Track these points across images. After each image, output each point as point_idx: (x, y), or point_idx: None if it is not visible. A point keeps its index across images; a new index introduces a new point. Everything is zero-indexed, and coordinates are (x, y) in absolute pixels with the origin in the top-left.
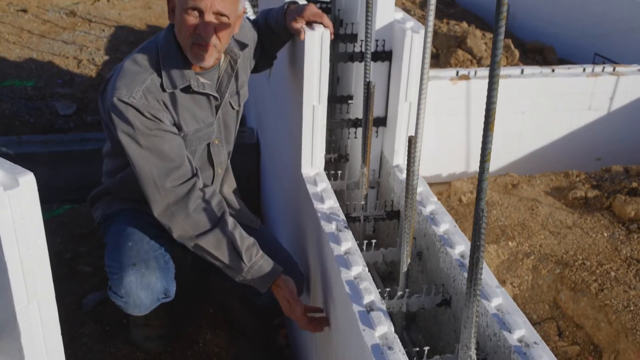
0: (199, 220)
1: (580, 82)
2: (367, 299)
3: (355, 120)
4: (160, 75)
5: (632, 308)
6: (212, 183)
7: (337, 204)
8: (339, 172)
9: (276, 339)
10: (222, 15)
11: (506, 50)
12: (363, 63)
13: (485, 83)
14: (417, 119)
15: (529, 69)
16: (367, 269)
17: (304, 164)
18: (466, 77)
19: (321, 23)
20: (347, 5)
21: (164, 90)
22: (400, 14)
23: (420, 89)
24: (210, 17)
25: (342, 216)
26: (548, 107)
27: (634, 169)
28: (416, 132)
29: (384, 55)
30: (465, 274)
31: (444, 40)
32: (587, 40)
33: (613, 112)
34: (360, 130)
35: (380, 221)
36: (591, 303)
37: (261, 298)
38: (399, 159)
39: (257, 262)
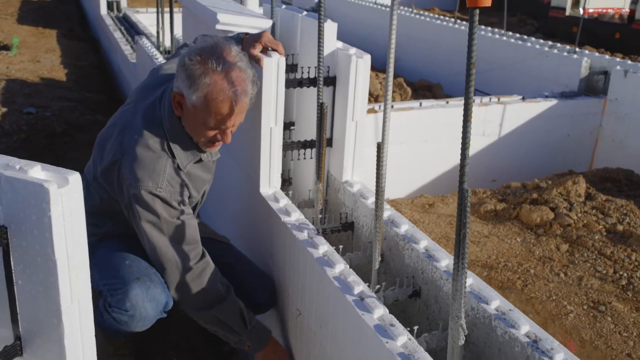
0: (215, 293)
1: (474, 111)
2: (357, 290)
3: (304, 142)
4: (173, 157)
5: (553, 297)
6: (195, 210)
7: (303, 216)
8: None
9: None
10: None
11: (399, 88)
12: (303, 90)
13: (391, 114)
14: (384, 126)
15: (426, 102)
16: (348, 266)
17: (262, 184)
18: (374, 111)
19: (276, 50)
20: (288, 38)
21: (180, 169)
22: (340, 44)
23: (385, 100)
24: (230, 130)
25: (311, 225)
26: (447, 135)
27: (530, 184)
28: (383, 139)
29: (329, 81)
30: (435, 264)
31: None
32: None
33: (503, 137)
34: (308, 151)
35: (336, 233)
36: (519, 297)
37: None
38: (348, 175)
39: (256, 324)
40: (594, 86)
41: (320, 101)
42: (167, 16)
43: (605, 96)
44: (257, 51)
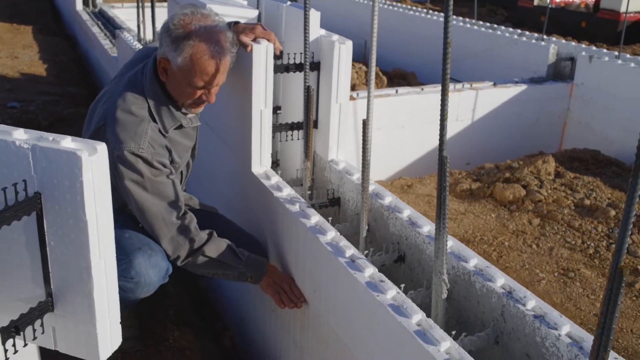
0: (201, 239)
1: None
2: (348, 253)
3: (292, 124)
4: (155, 121)
5: (527, 267)
6: (181, 182)
7: (294, 191)
8: None
9: (221, 341)
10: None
11: (376, 77)
12: (289, 75)
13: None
14: (368, 103)
15: (402, 89)
16: (339, 233)
17: (254, 164)
18: (352, 98)
19: (268, 40)
20: (273, 27)
21: (162, 134)
22: (323, 31)
23: (369, 81)
24: (214, 90)
25: (302, 199)
26: (422, 120)
27: (502, 164)
28: (367, 116)
29: (314, 66)
30: (418, 229)
31: None
32: (439, 67)
33: (476, 121)
34: (295, 133)
35: (324, 208)
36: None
37: None
38: (333, 154)
39: (249, 255)
40: (561, 72)
41: (307, 84)
42: (147, 10)
43: (572, 81)
44: (248, 39)
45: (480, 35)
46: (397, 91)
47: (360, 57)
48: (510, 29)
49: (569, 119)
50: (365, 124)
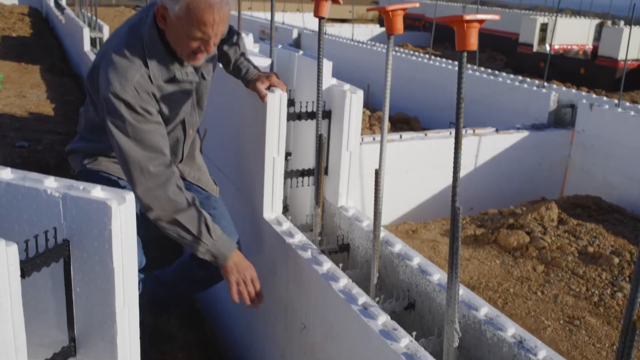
0: (178, 201)
1: (450, 143)
2: (360, 300)
3: (302, 170)
4: (147, 68)
5: (532, 314)
6: (183, 142)
7: (305, 237)
8: None
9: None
10: (220, 32)
11: (379, 121)
12: (300, 122)
13: (370, 148)
14: (380, 154)
15: (406, 134)
16: (351, 280)
17: (266, 209)
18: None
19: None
20: (285, 75)
21: (152, 82)
22: (334, 80)
23: (382, 130)
24: (212, 41)
25: (314, 245)
26: (426, 165)
27: (506, 210)
28: (380, 165)
29: (325, 114)
30: (428, 277)
31: None
32: (441, 111)
33: (479, 166)
34: (306, 179)
35: (333, 254)
36: None
37: None
38: (343, 200)
39: (222, 236)
40: (562, 118)
41: (319, 133)
42: None
43: (573, 128)
44: (263, 87)
45: (482, 81)
46: (401, 136)
47: (363, 101)
48: (512, 76)
49: (570, 165)
50: (377, 173)
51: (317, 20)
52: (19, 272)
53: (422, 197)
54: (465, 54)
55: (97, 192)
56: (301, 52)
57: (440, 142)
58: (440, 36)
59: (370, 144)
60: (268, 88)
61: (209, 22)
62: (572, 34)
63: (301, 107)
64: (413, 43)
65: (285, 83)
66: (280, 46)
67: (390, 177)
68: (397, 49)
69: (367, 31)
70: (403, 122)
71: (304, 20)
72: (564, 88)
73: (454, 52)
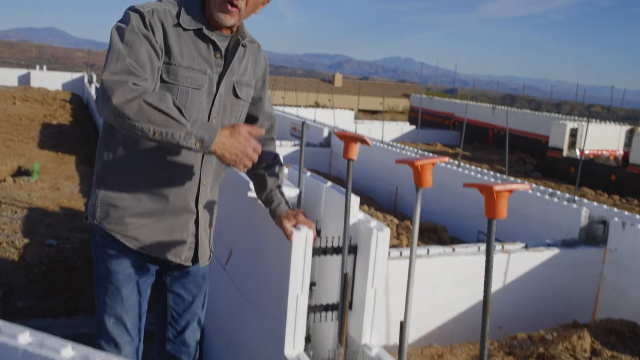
0: (145, 87)
1: (478, 259)
2: None
3: (326, 305)
4: (179, 13)
5: None
6: (201, 164)
7: None
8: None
9: None
10: None
11: (406, 231)
12: (328, 256)
13: (397, 263)
14: (406, 307)
15: (433, 249)
16: None
17: (287, 346)
18: None
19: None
20: (312, 204)
21: (175, 23)
22: (362, 215)
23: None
24: None
25: None
26: (454, 283)
27: (535, 335)
28: (405, 318)
29: (351, 249)
30: None
31: None
32: (469, 219)
33: (507, 284)
34: (329, 313)
35: None
36: None
37: None
38: (367, 338)
39: (198, 119)
40: (594, 234)
41: (345, 272)
42: None
43: (605, 246)
44: (289, 225)
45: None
46: (428, 251)
47: (390, 206)
48: (542, 187)
49: (602, 284)
50: (402, 326)
51: (347, 116)
52: None
53: (448, 315)
54: (494, 223)
55: (67, 352)
56: (329, 183)
57: (468, 258)
58: (470, 135)
59: (397, 259)
60: (295, 225)
61: None
62: (602, 139)
63: (327, 241)
64: (442, 142)
65: (312, 211)
66: (309, 174)
67: (416, 294)
68: (426, 153)
69: (397, 129)
70: (431, 231)
71: (334, 117)
72: (595, 203)
73: (484, 152)
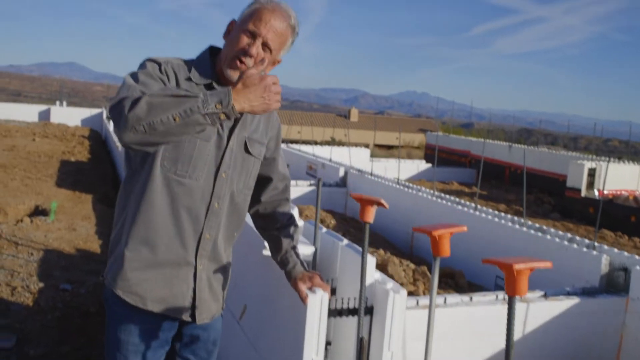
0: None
1: (497, 308)
2: None
3: None
4: (190, 69)
5: None
6: (205, 217)
7: None
8: None
9: None
10: (267, 47)
11: (423, 277)
12: (344, 317)
13: (414, 314)
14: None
15: (450, 298)
16: None
17: None
18: None
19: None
20: (327, 262)
21: (187, 77)
22: (378, 275)
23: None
24: (259, 43)
25: None
26: (471, 333)
27: None
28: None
29: (366, 310)
30: None
31: None
32: (487, 265)
33: (527, 334)
34: None
35: None
36: None
37: None
38: None
39: (205, 92)
40: (614, 282)
41: (361, 336)
42: None
43: (627, 294)
44: (304, 287)
45: (529, 237)
46: (445, 300)
47: (406, 249)
48: (560, 233)
49: (625, 333)
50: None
51: (362, 154)
52: None
53: None
54: (515, 300)
55: None
56: (345, 241)
57: (486, 308)
58: (487, 173)
59: (413, 309)
60: (310, 288)
61: (264, 18)
62: (621, 178)
63: (342, 302)
64: (459, 180)
65: (328, 270)
66: (324, 230)
67: (433, 345)
68: (442, 194)
69: (414, 167)
70: (448, 277)
71: (350, 156)
72: (615, 250)
73: (500, 190)
